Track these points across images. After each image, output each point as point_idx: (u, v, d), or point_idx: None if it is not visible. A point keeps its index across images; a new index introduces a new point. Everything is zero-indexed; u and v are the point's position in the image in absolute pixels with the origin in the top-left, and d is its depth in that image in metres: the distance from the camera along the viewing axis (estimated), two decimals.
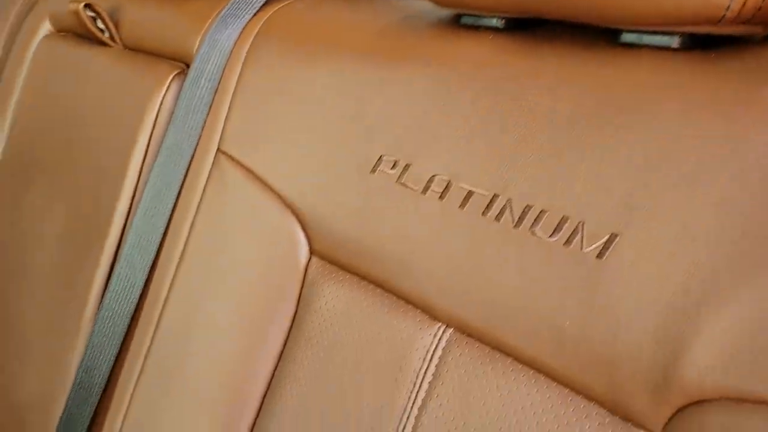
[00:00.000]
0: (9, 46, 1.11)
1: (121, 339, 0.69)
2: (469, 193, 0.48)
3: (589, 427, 0.41)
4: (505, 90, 0.48)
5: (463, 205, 0.48)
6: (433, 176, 0.51)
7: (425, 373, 0.50)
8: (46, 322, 0.81)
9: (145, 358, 0.66)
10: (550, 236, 0.43)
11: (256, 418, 0.59)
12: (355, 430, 0.52)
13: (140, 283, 0.68)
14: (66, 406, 0.73)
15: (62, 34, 1.00)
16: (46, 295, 0.82)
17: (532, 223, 0.44)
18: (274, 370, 0.59)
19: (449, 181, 0.50)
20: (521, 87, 0.48)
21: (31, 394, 0.81)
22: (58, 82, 0.95)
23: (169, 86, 0.75)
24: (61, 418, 0.73)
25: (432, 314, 0.50)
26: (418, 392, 0.50)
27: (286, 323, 0.60)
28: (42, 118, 0.96)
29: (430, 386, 0.49)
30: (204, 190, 0.66)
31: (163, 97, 0.75)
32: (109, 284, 0.72)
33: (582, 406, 0.42)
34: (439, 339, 0.50)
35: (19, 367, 0.85)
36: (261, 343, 0.60)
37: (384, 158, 0.54)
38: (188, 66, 0.74)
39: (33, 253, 0.87)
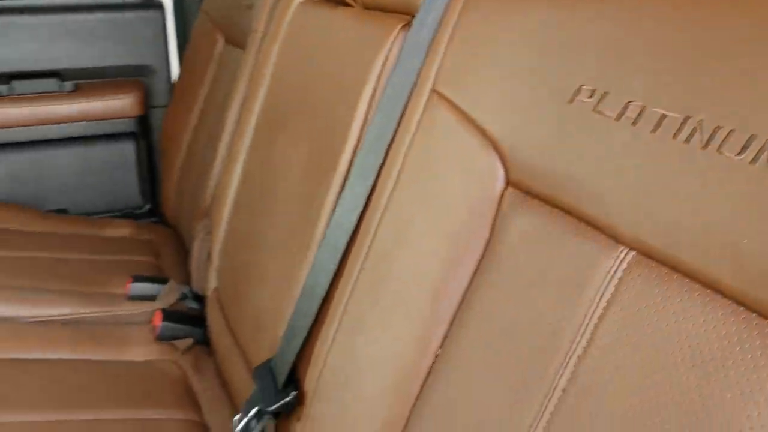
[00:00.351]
0: (270, 17, 1.28)
1: (341, 255, 0.78)
2: (662, 117, 0.49)
3: None
4: (698, 13, 0.48)
5: (655, 129, 0.49)
6: (628, 102, 0.52)
7: (604, 292, 0.51)
8: (283, 242, 0.94)
9: (359, 272, 0.75)
10: (737, 155, 0.43)
11: (449, 328, 0.65)
12: (535, 340, 0.55)
13: (360, 207, 0.77)
14: (293, 312, 0.84)
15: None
16: (285, 219, 0.95)
17: (720, 144, 0.44)
18: (468, 286, 0.64)
19: (643, 107, 0.51)
20: (715, 9, 0.47)
21: (266, 302, 0.94)
22: (305, 42, 1.08)
23: (396, 36, 0.83)
24: (288, 323, 0.85)
25: (616, 238, 0.52)
26: (595, 310, 0.52)
27: (480, 247, 0.64)
28: (291, 74, 1.10)
29: (608, 304, 0.51)
30: (417, 125, 0.72)
31: (391, 47, 0.83)
32: (335, 209, 0.82)
33: (760, 325, 0.41)
34: (621, 261, 0.51)
35: (259, 279, 0.99)
36: (457, 263, 0.65)
37: (582, 88, 0.56)
38: (413, 17, 0.81)
39: (279, 185, 1.01)
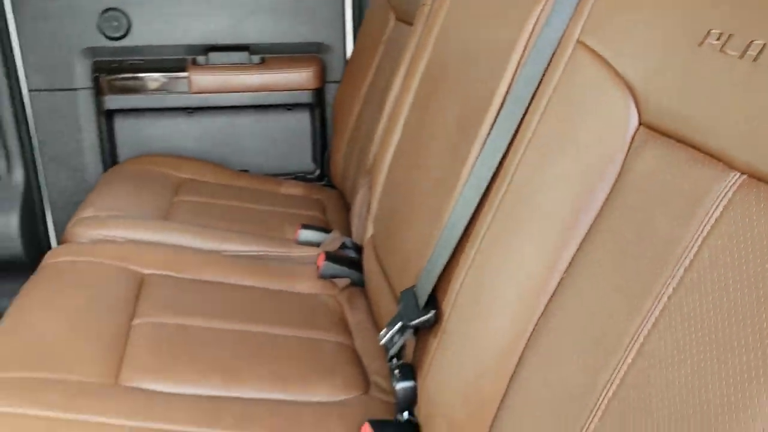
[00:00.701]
0: None
1: (483, 190, 0.87)
2: None
3: None
4: None
5: None
6: (751, 42, 0.57)
7: (714, 211, 0.57)
8: (432, 186, 1.05)
9: (498, 204, 0.84)
10: None
11: (576, 252, 0.72)
12: (650, 255, 0.62)
13: (503, 148, 0.85)
14: (436, 244, 0.95)
15: None
16: (436, 167, 1.06)
17: None
18: (596, 216, 0.71)
19: (764, 44, 0.56)
20: None
21: (414, 239, 1.06)
22: (466, 10, 1.17)
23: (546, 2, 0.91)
24: (431, 254, 0.96)
25: (730, 164, 0.57)
26: (705, 226, 0.57)
27: (611, 180, 0.71)
28: (451, 41, 1.20)
29: (716, 222, 0.57)
30: (561, 74, 0.80)
31: (545, 4, 0.90)
32: (480, 153, 0.91)
33: None
34: (733, 184, 0.57)
35: (409, 221, 1.11)
36: (588, 196, 0.72)
37: (711, 31, 0.62)
38: None
39: (432, 139, 1.12)
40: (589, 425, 0.63)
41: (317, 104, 2.20)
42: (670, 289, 0.59)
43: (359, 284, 1.39)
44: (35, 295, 1.18)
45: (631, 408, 0.59)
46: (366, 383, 1.10)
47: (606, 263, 0.68)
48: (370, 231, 1.38)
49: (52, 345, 1.02)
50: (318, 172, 2.26)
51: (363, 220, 1.46)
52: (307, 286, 1.38)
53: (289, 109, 2.21)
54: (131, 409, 0.91)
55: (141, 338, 1.09)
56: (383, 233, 1.27)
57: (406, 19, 1.62)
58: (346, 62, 2.20)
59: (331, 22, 2.20)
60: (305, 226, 1.59)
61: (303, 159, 2.26)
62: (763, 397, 0.48)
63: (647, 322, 0.60)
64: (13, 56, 2.02)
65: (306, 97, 2.17)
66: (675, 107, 0.65)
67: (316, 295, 1.35)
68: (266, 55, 2.16)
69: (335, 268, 1.40)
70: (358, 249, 1.48)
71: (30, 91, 2.07)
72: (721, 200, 0.57)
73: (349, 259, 1.44)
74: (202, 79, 2.09)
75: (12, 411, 0.87)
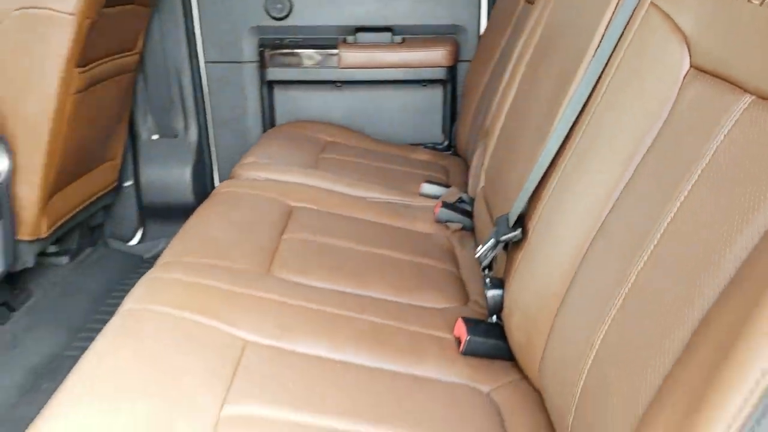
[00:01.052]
0: None
1: (567, 132, 1.05)
2: None
3: None
4: None
5: None
6: None
7: (728, 125, 0.73)
8: (531, 133, 1.23)
9: (577, 143, 1.02)
10: None
11: (633, 174, 0.89)
12: (676, 167, 0.78)
13: (586, 95, 1.03)
14: (528, 177, 1.13)
15: None
16: (536, 116, 1.24)
17: None
18: (650, 146, 0.88)
19: None
20: None
21: (513, 179, 1.24)
22: None
23: None
24: (524, 186, 1.14)
25: (745, 90, 0.73)
26: (719, 138, 0.73)
27: (665, 116, 0.87)
28: (558, 15, 1.37)
29: (728, 132, 0.72)
30: (636, 29, 0.97)
31: None
32: (569, 102, 1.09)
33: None
34: (744, 104, 0.72)
35: (510, 166, 1.30)
36: (646, 130, 0.89)
37: None
38: None
39: (536, 98, 1.30)
40: (612, 313, 0.80)
41: (450, 81, 2.41)
42: (689, 185, 0.75)
43: (469, 229, 1.60)
44: (207, 212, 1.48)
45: (641, 300, 0.75)
46: (466, 299, 1.30)
47: (651, 178, 0.84)
48: (482, 183, 1.57)
49: (220, 243, 1.31)
50: (446, 143, 2.48)
51: (477, 174, 1.66)
52: (424, 227, 1.60)
53: (424, 85, 2.44)
54: (277, 290, 1.18)
55: (289, 247, 1.35)
56: (491, 180, 1.46)
57: (530, 0, 1.80)
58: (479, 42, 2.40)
59: (467, 6, 2.40)
60: (428, 181, 1.82)
61: (434, 131, 2.49)
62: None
63: (660, 227, 0.76)
64: (194, 33, 2.40)
65: (440, 74, 2.39)
66: (717, 50, 0.80)
67: (432, 235, 1.57)
68: (407, 36, 2.41)
69: (450, 214, 1.61)
70: (473, 203, 1.68)
71: (206, 62, 2.44)
72: (734, 117, 0.73)
73: (463, 209, 1.65)
74: (350, 55, 2.37)
75: (189, 280, 1.15)
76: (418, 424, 0.92)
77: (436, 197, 1.78)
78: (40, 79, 1.64)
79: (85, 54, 1.72)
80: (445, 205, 1.64)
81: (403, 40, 2.40)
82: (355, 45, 2.39)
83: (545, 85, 1.27)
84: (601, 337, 0.80)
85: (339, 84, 2.44)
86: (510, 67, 1.68)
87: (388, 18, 2.40)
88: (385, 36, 2.39)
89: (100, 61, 1.86)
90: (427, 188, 1.81)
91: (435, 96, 2.46)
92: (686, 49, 0.86)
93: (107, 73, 1.94)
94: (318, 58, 2.39)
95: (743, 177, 0.69)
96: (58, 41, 1.62)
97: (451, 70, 2.41)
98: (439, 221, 1.62)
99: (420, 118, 2.48)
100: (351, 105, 2.47)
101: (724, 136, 0.73)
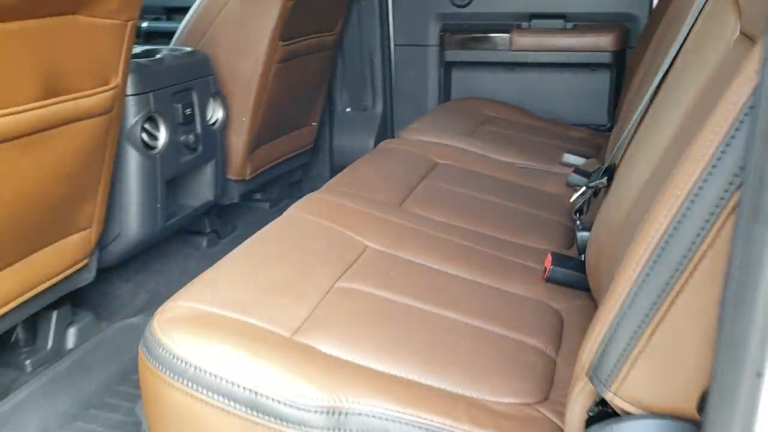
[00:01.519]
0: None
1: (651, 98, 1.20)
2: None
3: None
4: None
5: None
6: None
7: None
8: (638, 105, 1.38)
9: (655, 104, 1.17)
10: None
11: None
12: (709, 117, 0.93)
13: (667, 65, 1.18)
14: (619, 141, 1.29)
15: None
16: (644, 92, 1.39)
17: None
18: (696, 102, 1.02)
19: None
20: None
21: (615, 144, 1.40)
22: None
23: None
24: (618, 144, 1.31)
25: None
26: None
27: (709, 74, 1.01)
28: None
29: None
30: (710, 10, 1.10)
31: None
32: (659, 70, 1.24)
33: None
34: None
35: (621, 130, 1.45)
36: (700, 94, 1.03)
37: None
38: None
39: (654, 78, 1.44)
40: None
41: (616, 65, 2.52)
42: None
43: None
44: (364, 161, 1.81)
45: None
46: (570, 244, 1.48)
47: (693, 126, 1.00)
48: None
49: (367, 181, 1.62)
50: (609, 125, 2.59)
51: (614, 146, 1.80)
52: (554, 189, 1.79)
53: (592, 70, 2.57)
54: (403, 217, 1.45)
55: (423, 190, 1.62)
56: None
57: None
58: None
59: None
60: (569, 152, 1.99)
61: (599, 113, 2.61)
62: None
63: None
64: (388, 19, 2.74)
65: (607, 59, 2.51)
66: (756, 14, 0.94)
67: (558, 195, 1.75)
68: (579, 22, 2.55)
69: (579, 179, 1.77)
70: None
71: (395, 45, 2.77)
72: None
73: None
74: (522, 39, 2.57)
75: (335, 201, 1.46)
76: (493, 319, 1.14)
77: (575, 166, 1.94)
78: (254, 48, 2.07)
79: (287, 30, 2.12)
80: (577, 171, 1.80)
81: (575, 26, 2.55)
82: (527, 30, 2.58)
83: (656, 67, 1.41)
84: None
85: (511, 66, 2.65)
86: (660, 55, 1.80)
87: (562, 5, 2.57)
88: (558, 23, 2.56)
89: (301, 38, 2.26)
90: (569, 158, 1.97)
91: (602, 80, 2.58)
92: (738, 19, 1.00)
93: (307, 48, 2.33)
94: (492, 41, 2.62)
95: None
96: (268, 18, 2.03)
97: (619, 55, 2.51)
98: (569, 185, 1.79)
99: (586, 101, 2.61)
100: (520, 86, 2.67)
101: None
